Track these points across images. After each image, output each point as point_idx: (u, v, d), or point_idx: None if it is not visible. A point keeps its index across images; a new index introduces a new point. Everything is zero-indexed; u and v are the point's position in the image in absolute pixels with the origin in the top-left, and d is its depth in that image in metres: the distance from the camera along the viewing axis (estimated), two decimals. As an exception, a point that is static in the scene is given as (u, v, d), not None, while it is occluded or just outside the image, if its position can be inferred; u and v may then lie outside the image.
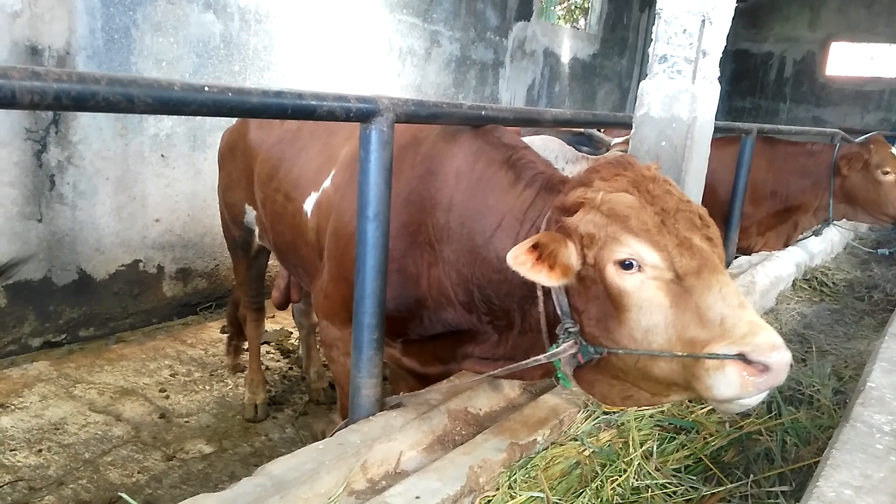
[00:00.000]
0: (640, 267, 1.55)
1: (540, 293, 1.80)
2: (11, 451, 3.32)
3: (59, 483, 3.09)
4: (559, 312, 1.73)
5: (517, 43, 8.41)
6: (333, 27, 6.05)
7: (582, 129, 4.95)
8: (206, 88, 1.38)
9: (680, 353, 1.50)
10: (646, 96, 2.19)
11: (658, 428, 2.18)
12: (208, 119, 5.22)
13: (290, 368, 4.60)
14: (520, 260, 1.61)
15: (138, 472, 3.20)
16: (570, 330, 1.69)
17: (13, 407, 3.73)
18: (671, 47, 2.04)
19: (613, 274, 1.58)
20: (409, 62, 6.97)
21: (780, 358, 1.40)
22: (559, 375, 1.77)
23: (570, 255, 1.63)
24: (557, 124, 2.53)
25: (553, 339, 1.78)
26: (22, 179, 4.28)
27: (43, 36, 4.18)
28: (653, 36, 2.13)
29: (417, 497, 1.60)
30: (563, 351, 1.70)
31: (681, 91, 2.11)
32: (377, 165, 1.83)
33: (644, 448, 2.01)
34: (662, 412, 2.25)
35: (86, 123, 4.49)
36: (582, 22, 10.48)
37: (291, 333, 5.00)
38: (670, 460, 2.01)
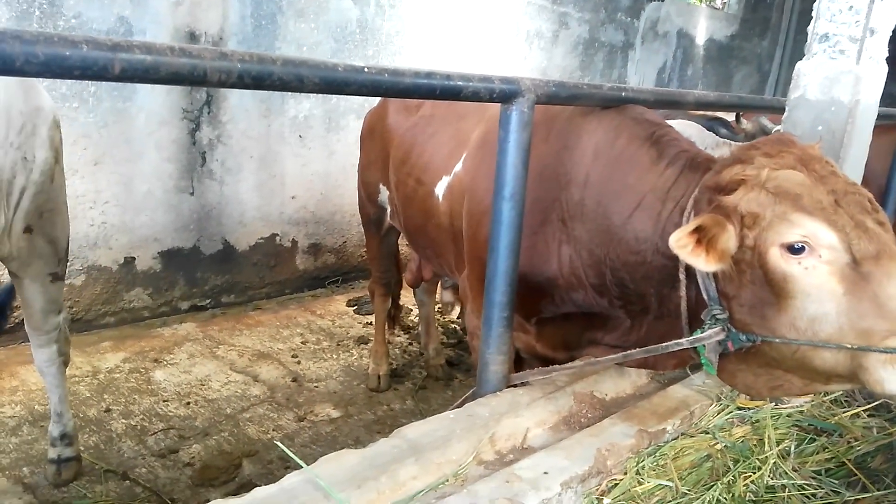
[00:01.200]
0: (811, 250, 1.46)
1: (682, 277, 1.74)
2: (164, 401, 3.68)
3: (205, 434, 3.40)
4: (705, 297, 1.66)
5: (649, 24, 8.10)
6: (461, 11, 6.11)
7: (716, 114, 4.73)
8: (366, 69, 1.46)
9: (850, 346, 1.41)
10: (802, 77, 2.06)
11: (796, 428, 2.07)
12: (343, 102, 5.46)
13: (410, 344, 4.76)
14: (682, 243, 1.54)
15: (273, 430, 3.46)
16: (719, 316, 1.62)
17: (165, 362, 4.13)
18: (834, 25, 1.91)
19: (778, 258, 1.49)
20: (535, 45, 6.91)
21: None
22: (703, 361, 1.70)
23: (730, 238, 1.55)
24: (700, 106, 2.43)
25: (694, 326, 1.73)
26: (178, 155, 4.68)
27: (200, 22, 4.53)
28: (813, 14, 2.00)
29: (546, 472, 1.63)
30: (709, 337, 1.63)
31: (843, 72, 1.97)
32: (516, 146, 1.85)
33: (781, 447, 1.92)
34: (801, 412, 2.14)
35: (235, 104, 4.84)
36: (720, 1, 9.90)
37: (412, 310, 5.16)
38: (809, 462, 1.92)
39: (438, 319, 4.92)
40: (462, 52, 6.21)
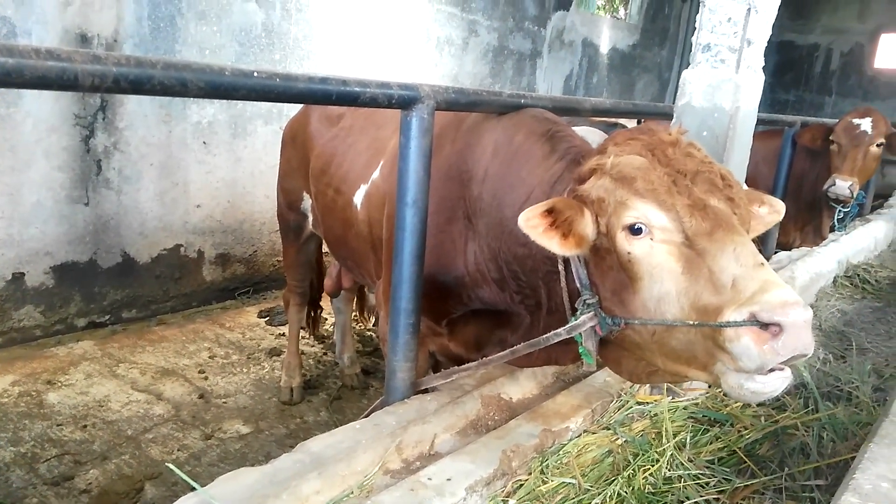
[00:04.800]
0: (649, 231, 1.49)
1: (561, 267, 1.77)
2: (58, 425, 3.45)
3: (103, 458, 3.21)
4: (578, 286, 1.70)
5: (555, 33, 8.34)
6: (372, 16, 6.09)
7: (616, 121, 4.92)
8: (256, 74, 1.42)
9: (692, 322, 1.41)
10: (688, 85, 2.17)
11: (692, 420, 2.17)
12: (249, 107, 5.32)
13: (325, 354, 4.68)
14: (532, 223, 1.56)
15: (178, 450, 3.31)
16: (589, 302, 1.66)
17: (60, 384, 3.88)
18: (715, 36, 2.02)
19: (623, 240, 1.52)
20: (446, 52, 6.97)
21: (794, 315, 1.27)
22: (581, 351, 1.73)
23: (587, 224, 1.59)
24: (597, 113, 2.52)
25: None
26: (70, 164, 4.42)
27: (92, 24, 4.30)
28: (696, 24, 2.11)
29: (449, 479, 1.63)
30: (582, 324, 1.66)
31: (724, 80, 2.09)
32: (417, 152, 1.85)
33: (677, 439, 2.00)
34: (697, 404, 2.24)
35: (132, 110, 4.61)
36: (622, 12, 10.32)
37: (327, 319, 5.08)
38: (703, 452, 2.01)
39: (354, 328, 4.86)
40: (373, 57, 6.19)
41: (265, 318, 5.17)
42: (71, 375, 3.97)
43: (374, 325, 5.12)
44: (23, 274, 4.36)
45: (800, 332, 1.28)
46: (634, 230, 1.51)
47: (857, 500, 1.30)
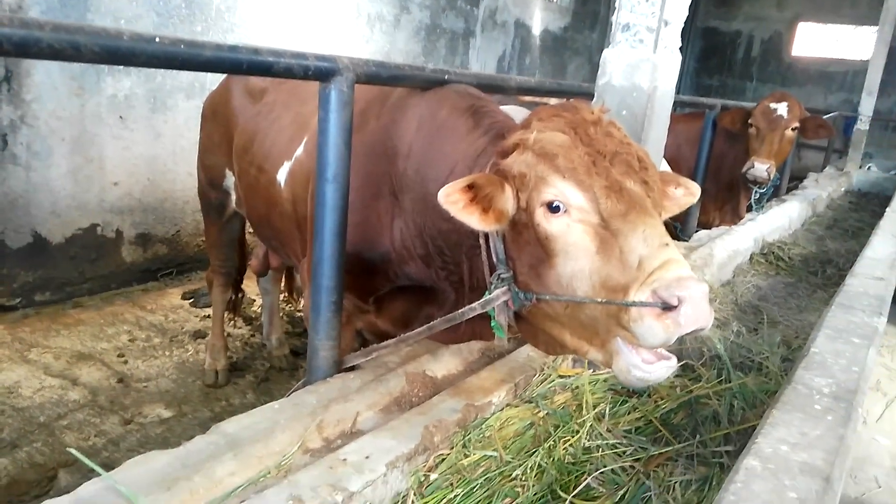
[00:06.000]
0: (566, 209, 1.51)
1: (482, 242, 1.78)
2: (-37, 414, 3.26)
3: (13, 446, 3.05)
4: (494, 260, 1.71)
5: (488, 13, 8.33)
6: (300, -11, 5.92)
7: (545, 100, 4.98)
8: (157, 39, 1.34)
9: (598, 300, 1.45)
10: (608, 65, 2.20)
11: (611, 392, 2.23)
12: (169, 80, 5.09)
13: (252, 335, 4.58)
14: (452, 199, 1.56)
15: (95, 436, 3.18)
16: (503, 276, 1.67)
17: (-35, 370, 3.65)
18: (634, 16, 2.05)
19: (542, 217, 1.53)
20: (377, 28, 6.86)
21: (690, 289, 1.32)
22: (493, 325, 1.75)
23: (507, 199, 1.59)
24: (522, 92, 2.53)
25: None
26: (-28, 138, 4.13)
27: (-7, -13, 4.01)
28: (616, 4, 2.13)
29: (369, 456, 1.62)
30: (496, 298, 1.68)
31: (642, 60, 2.13)
32: (336, 126, 1.81)
33: (597, 410, 2.06)
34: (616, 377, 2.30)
35: (40, 82, 4.34)
36: (554, -6, 10.40)
37: (254, 301, 4.96)
38: (622, 422, 2.07)
39: (283, 309, 4.77)
40: (301, 32, 6.02)
41: (189, 299, 5.01)
42: (-24, 362, 3.75)
43: (302, 307, 5.04)
44: (-80, 255, 4.07)
45: (697, 305, 1.32)
46: (553, 208, 1.53)
47: (758, 463, 1.36)
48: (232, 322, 4.55)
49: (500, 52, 8.81)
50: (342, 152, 1.84)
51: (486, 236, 1.77)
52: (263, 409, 1.75)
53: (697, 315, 1.33)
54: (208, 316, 4.72)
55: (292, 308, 5.01)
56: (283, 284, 4.51)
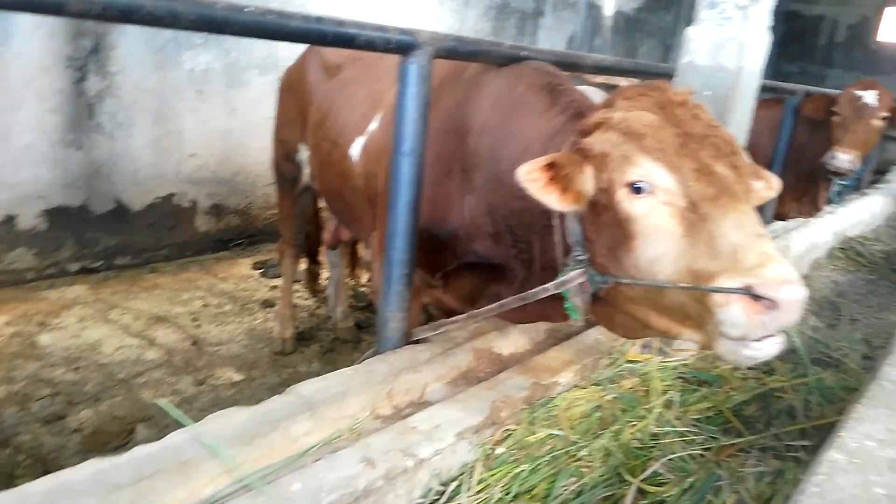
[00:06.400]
0: (651, 191, 1.47)
1: (557, 222, 1.76)
2: (51, 366, 3.47)
3: (96, 399, 3.23)
4: (572, 241, 1.68)
5: (560, -8, 8.18)
6: (374, -33, 5.94)
7: (616, 83, 4.86)
8: (247, 9, 1.38)
9: (683, 285, 1.41)
10: (691, 43, 2.13)
11: (680, 380, 2.19)
12: (244, 56, 5.22)
13: (318, 307, 4.69)
14: (531, 176, 1.54)
15: (170, 394, 3.33)
16: (580, 258, 1.65)
17: (52, 326, 3.88)
18: (722, -8, 1.98)
19: (624, 198, 1.50)
20: (447, 6, 6.83)
21: (789, 293, 1.26)
22: (567, 306, 1.73)
23: (587, 179, 1.56)
24: (598, 70, 2.48)
25: None
26: (63, 107, 4.34)
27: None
28: (704, -21, 2.06)
29: (438, 425, 1.65)
30: (571, 280, 1.65)
31: (728, 39, 2.05)
32: (414, 100, 1.82)
33: (665, 397, 2.02)
34: (686, 365, 2.26)
35: (125, 54, 4.52)
36: (629, -27, 10.09)
37: (321, 274, 5.07)
38: (691, 410, 2.03)
39: (348, 283, 4.86)
40: (373, 8, 6.05)
41: (259, 270, 5.17)
42: (63, 318, 3.97)
43: (367, 281, 5.13)
44: (14, 216, 4.33)
45: (792, 310, 1.28)
46: (636, 189, 1.49)
47: (842, 457, 1.32)
48: (298, 293, 4.67)
49: (569, 32, 8.64)
50: (419, 126, 1.85)
51: (561, 216, 1.75)
52: (337, 374, 1.80)
53: (789, 319, 1.29)
54: (276, 286, 4.86)
55: (356, 283, 5.10)
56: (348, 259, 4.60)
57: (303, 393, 1.67)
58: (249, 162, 5.47)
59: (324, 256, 4.47)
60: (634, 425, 1.90)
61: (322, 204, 4.06)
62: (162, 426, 3.07)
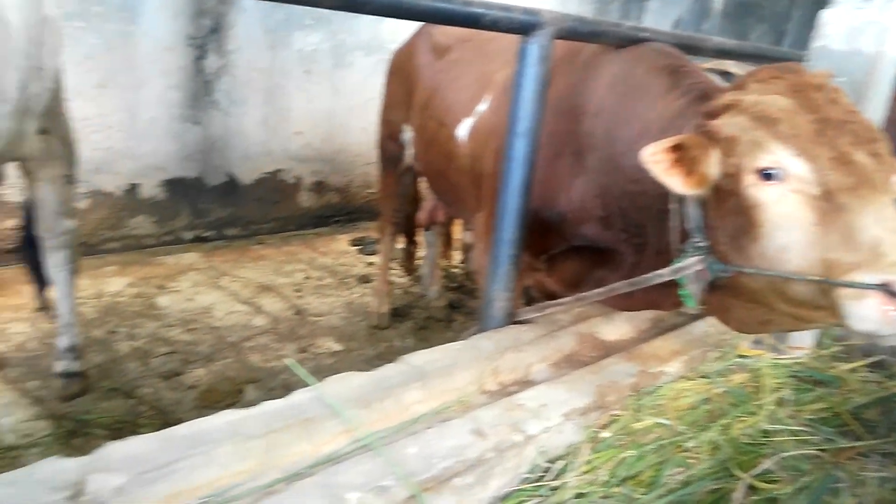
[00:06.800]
0: (783, 178, 1.41)
1: (674, 206, 1.71)
2: (168, 326, 3.72)
3: (209, 359, 3.45)
4: (691, 227, 1.64)
5: (669, -26, 7.88)
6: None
7: (727, 69, 4.64)
8: (386, -11, 1.42)
9: (813, 277, 1.36)
10: (826, 27, 2.01)
11: (794, 378, 2.11)
12: (350, 38, 5.34)
13: (413, 285, 4.79)
14: (656, 158, 1.51)
15: (275, 359, 3.50)
16: (699, 245, 1.60)
17: (169, 289, 4.16)
18: (867, -28, 1.86)
19: (752, 184, 1.45)
20: (552, -11, 6.73)
21: None
22: (682, 293, 1.69)
23: (712, 163, 1.51)
24: (719, 54, 2.39)
25: None
26: (184, 83, 4.61)
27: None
28: (845, -42, 1.94)
29: (545, 404, 1.67)
30: (688, 266, 1.61)
31: (868, 22, 1.92)
32: (533, 80, 1.83)
33: (778, 394, 1.96)
34: (800, 363, 2.17)
35: (241, 34, 4.73)
36: (743, -46, 9.58)
37: (416, 253, 5.17)
38: (805, 410, 1.96)
39: (441, 263, 4.94)
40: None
41: (357, 246, 5.33)
42: (179, 283, 4.25)
43: (461, 262, 5.19)
44: (138, 185, 4.65)
45: None
46: (766, 175, 1.43)
47: (982, 468, 1.24)
48: (393, 271, 4.78)
49: (675, 17, 8.32)
50: (536, 107, 1.86)
51: (680, 200, 1.71)
52: (445, 347, 1.85)
53: None
54: (372, 263, 5.00)
55: (447, 263, 5.17)
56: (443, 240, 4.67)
57: (414, 363, 1.73)
58: (351, 141, 5.63)
59: (420, 236, 4.56)
60: (744, 421, 1.85)
61: (421, 184, 4.14)
62: (269, 388, 3.24)
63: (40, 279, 3.10)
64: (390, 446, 1.42)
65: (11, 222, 3.93)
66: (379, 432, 1.46)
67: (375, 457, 1.39)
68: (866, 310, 1.28)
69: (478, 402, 1.68)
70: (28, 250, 3.03)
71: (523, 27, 1.76)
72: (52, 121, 2.54)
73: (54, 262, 2.92)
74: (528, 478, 1.54)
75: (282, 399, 1.51)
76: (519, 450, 1.52)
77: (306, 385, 1.60)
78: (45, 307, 3.22)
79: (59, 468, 1.22)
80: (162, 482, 1.24)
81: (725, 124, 1.52)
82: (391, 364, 1.72)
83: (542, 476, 1.55)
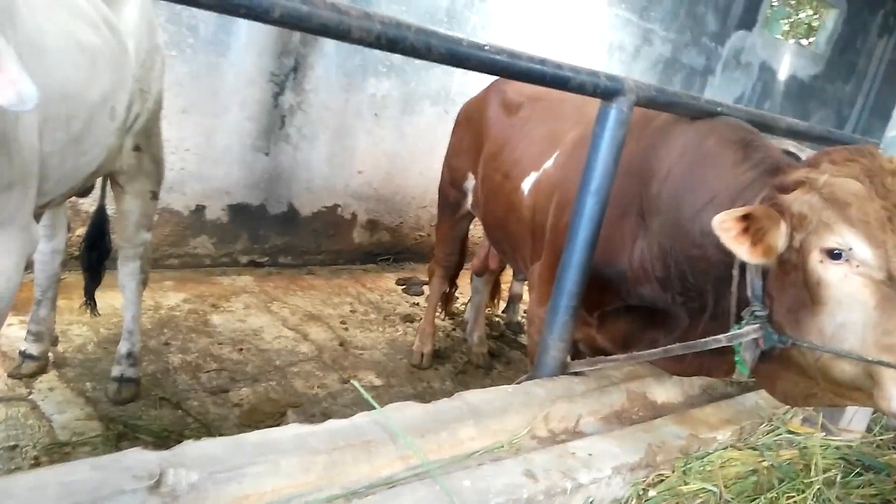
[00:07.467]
0: (848, 259, 1.47)
1: (736, 273, 1.76)
2: (219, 344, 3.85)
3: (255, 380, 3.55)
4: (750, 295, 1.69)
5: (732, 52, 8.01)
6: (548, 13, 6.15)
7: (789, 149, 4.68)
8: (487, 48, 1.54)
9: (870, 358, 1.41)
10: (901, 117, 2.07)
11: (843, 461, 2.08)
12: (420, 87, 5.57)
13: (454, 329, 4.85)
14: (726, 226, 1.57)
15: (318, 387, 3.58)
16: (758, 314, 1.65)
17: (223, 309, 4.30)
18: (946, 68, 1.91)
19: (817, 261, 1.51)
20: (616, 58, 6.91)
21: None
22: (737, 359, 1.72)
23: (780, 235, 1.57)
24: (791, 134, 2.44)
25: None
26: (259, 116, 4.85)
27: None
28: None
29: (594, 455, 1.69)
30: (746, 334, 1.66)
31: (945, 116, 1.98)
32: (609, 143, 1.91)
33: (828, 475, 1.94)
34: (850, 447, 2.15)
35: (320, 75, 4.99)
36: (808, 40, 9.70)
37: (458, 298, 5.24)
38: (854, 494, 1.93)
39: (487, 311, 4.99)
40: (544, 53, 6.24)
41: (402, 286, 5.43)
42: (232, 303, 4.39)
43: (502, 312, 5.23)
44: (204, 207, 4.86)
45: None
46: (833, 255, 1.50)
47: None
48: (440, 314, 4.85)
49: (738, 93, 8.41)
50: (609, 168, 1.94)
51: (742, 268, 1.76)
52: (499, 389, 1.90)
53: None
54: (417, 303, 5.09)
55: (491, 312, 5.21)
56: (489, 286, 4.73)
57: (470, 400, 1.78)
58: (410, 184, 5.80)
59: (462, 281, 4.64)
60: (792, 497, 1.84)
61: (474, 231, 4.25)
62: (309, 414, 3.31)
63: (93, 281, 3.26)
64: (446, 476, 1.47)
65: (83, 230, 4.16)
66: (435, 462, 1.51)
67: (432, 485, 1.43)
68: None
69: (528, 445, 1.72)
70: (89, 256, 3.20)
71: (607, 92, 1.86)
72: (147, 140, 2.73)
73: (127, 271, 3.09)
74: (573, 526, 1.56)
75: (346, 419, 1.57)
76: (567, 497, 1.55)
77: (345, 416, 1.65)
78: (90, 304, 3.35)
79: (143, 458, 1.30)
80: (232, 483, 1.31)
81: (796, 200, 1.58)
82: (447, 399, 1.77)
83: (588, 526, 1.57)
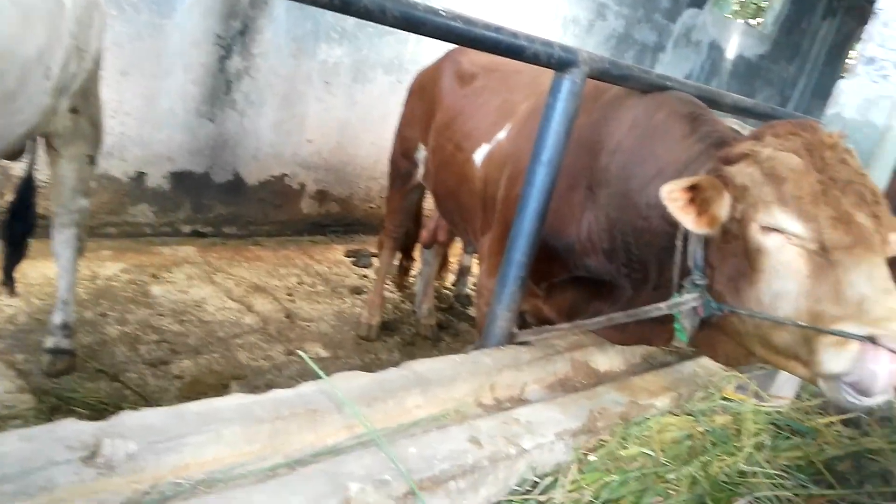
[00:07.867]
0: (783, 232, 1.53)
1: (679, 244, 1.81)
2: (159, 315, 3.74)
3: (196, 352, 3.47)
4: (691, 265, 1.74)
5: (683, 29, 8.13)
6: (504, -15, 6.11)
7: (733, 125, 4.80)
8: (442, 13, 1.51)
9: (804, 324, 1.47)
10: (842, 96, 2.14)
11: (773, 426, 2.18)
12: (372, 54, 5.47)
13: (403, 301, 4.84)
14: (673, 196, 1.61)
15: (262, 359, 3.54)
16: (698, 282, 1.70)
17: (163, 279, 4.18)
18: (882, 50, 1.98)
19: (756, 231, 1.56)
20: (570, 31, 6.93)
21: None
22: (677, 327, 1.78)
23: (724, 205, 1.62)
24: (736, 111, 2.50)
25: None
26: (204, 80, 4.68)
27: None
28: (864, 36, 2.07)
29: (540, 422, 1.72)
30: (686, 302, 1.71)
31: (882, 96, 2.05)
32: (562, 114, 1.91)
33: (757, 439, 2.03)
34: (780, 412, 2.25)
35: (268, 39, 4.83)
36: (756, 20, 9.92)
37: (410, 270, 5.23)
38: (781, 456, 2.02)
39: (435, 283, 5.00)
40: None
41: (351, 258, 5.38)
42: (174, 274, 4.27)
43: (451, 284, 5.25)
44: (144, 174, 4.69)
45: None
46: (771, 227, 1.55)
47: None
48: (402, 281, 4.83)
49: (686, 71, 8.56)
50: (561, 139, 1.95)
51: (684, 239, 1.81)
52: (446, 358, 1.90)
53: None
54: (365, 276, 5.06)
55: (439, 284, 5.23)
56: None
57: (417, 369, 1.78)
58: (360, 154, 5.72)
59: (417, 254, 4.63)
60: (723, 460, 1.91)
61: (426, 203, 4.23)
62: (253, 386, 3.27)
63: (14, 256, 3.04)
64: (392, 444, 1.47)
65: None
66: (381, 430, 1.51)
67: (377, 453, 1.43)
68: (846, 354, 1.39)
69: (474, 413, 1.74)
70: (10, 224, 3.00)
71: (560, 63, 1.85)
72: (84, 101, 2.60)
73: (62, 238, 2.95)
74: (516, 490, 1.59)
75: (291, 389, 1.55)
76: (511, 462, 1.57)
77: (290, 385, 1.64)
78: (8, 283, 3.10)
79: (78, 429, 1.25)
80: (172, 453, 1.28)
81: (739, 172, 1.62)
82: (394, 368, 1.77)
83: (530, 490, 1.60)
